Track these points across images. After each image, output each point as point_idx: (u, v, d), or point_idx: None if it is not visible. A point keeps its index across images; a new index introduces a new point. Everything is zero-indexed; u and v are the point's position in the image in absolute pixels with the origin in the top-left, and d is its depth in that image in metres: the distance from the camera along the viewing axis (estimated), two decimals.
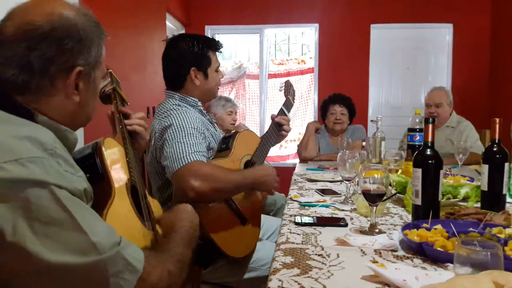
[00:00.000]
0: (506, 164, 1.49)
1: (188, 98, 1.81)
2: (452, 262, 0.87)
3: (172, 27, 4.88)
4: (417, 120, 2.22)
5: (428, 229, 1.15)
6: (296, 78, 5.94)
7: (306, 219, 1.41)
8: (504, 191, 1.50)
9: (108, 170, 1.00)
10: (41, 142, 0.77)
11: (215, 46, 1.86)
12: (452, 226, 1.15)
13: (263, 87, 5.57)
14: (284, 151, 6.07)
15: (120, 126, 1.22)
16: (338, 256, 1.08)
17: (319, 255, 1.09)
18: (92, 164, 0.98)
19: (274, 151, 5.64)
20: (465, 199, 1.63)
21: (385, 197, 1.31)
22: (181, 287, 0.91)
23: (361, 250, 1.12)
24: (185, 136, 1.60)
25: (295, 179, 2.32)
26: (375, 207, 1.28)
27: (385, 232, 1.28)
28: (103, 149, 1.02)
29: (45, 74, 0.84)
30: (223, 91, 5.89)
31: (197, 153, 1.57)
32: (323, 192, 1.92)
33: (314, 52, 5.31)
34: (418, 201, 1.31)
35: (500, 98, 4.72)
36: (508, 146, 1.51)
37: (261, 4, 5.21)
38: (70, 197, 0.76)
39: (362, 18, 5.07)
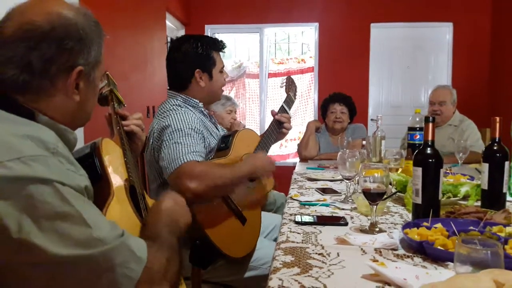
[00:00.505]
0: (506, 163, 1.49)
1: (190, 100, 1.81)
2: (452, 261, 0.87)
3: (172, 26, 4.88)
4: (417, 119, 2.22)
5: (429, 228, 1.15)
6: (296, 77, 5.89)
7: (306, 218, 1.41)
8: (504, 189, 1.50)
9: (107, 170, 1.00)
10: (43, 141, 0.78)
11: (219, 46, 1.85)
12: (453, 224, 1.14)
13: (263, 86, 5.57)
14: (284, 150, 6.07)
15: (118, 127, 1.23)
16: (338, 255, 1.08)
17: (319, 254, 1.09)
18: (90, 164, 0.99)
19: (274, 150, 5.64)
20: (465, 197, 1.63)
21: (385, 196, 1.31)
22: (178, 275, 0.92)
23: (362, 249, 1.12)
24: (182, 136, 1.60)
25: (295, 178, 2.32)
26: (375, 206, 1.28)
27: (385, 231, 1.28)
28: (101, 149, 1.02)
29: (46, 74, 0.84)
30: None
31: (193, 153, 1.57)
32: (323, 191, 1.91)
33: (314, 51, 5.31)
34: (419, 200, 1.31)
35: (500, 97, 4.72)
36: (508, 145, 1.51)
37: (261, 3, 5.21)
38: (73, 193, 0.77)
39: (362, 17, 5.07)
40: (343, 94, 3.35)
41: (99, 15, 0.95)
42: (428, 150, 1.32)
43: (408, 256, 1.08)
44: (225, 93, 5.88)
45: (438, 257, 1.04)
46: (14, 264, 0.73)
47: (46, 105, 0.86)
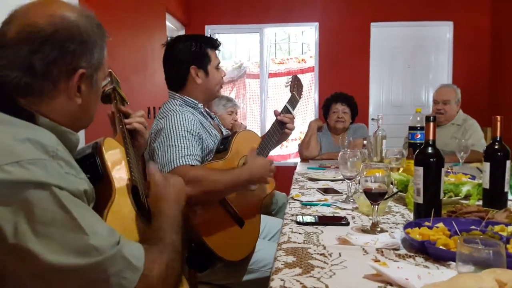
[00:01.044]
0: (508, 162, 1.48)
1: (187, 100, 1.80)
2: (454, 261, 0.87)
3: (172, 27, 4.88)
4: (418, 119, 2.22)
5: (430, 228, 1.15)
6: None
7: (308, 218, 1.41)
8: (506, 189, 1.49)
9: (109, 170, 1.00)
10: (43, 144, 0.77)
11: (213, 43, 1.85)
12: (454, 224, 1.14)
13: (263, 87, 5.57)
14: (285, 150, 6.07)
15: (120, 126, 1.22)
16: (340, 255, 1.08)
17: (321, 254, 1.09)
18: (92, 164, 0.98)
19: (275, 150, 5.63)
20: (467, 197, 1.63)
21: (386, 196, 1.31)
22: (178, 278, 0.92)
23: (363, 249, 1.12)
24: (176, 139, 1.59)
25: (296, 178, 2.32)
26: (376, 206, 1.28)
27: (387, 231, 1.28)
28: (103, 149, 1.02)
29: (48, 76, 0.84)
30: (223, 91, 5.88)
31: (187, 156, 1.56)
32: (325, 191, 1.91)
33: (314, 51, 5.31)
34: (420, 200, 1.31)
35: (501, 96, 4.71)
36: (509, 144, 1.50)
37: (261, 3, 5.21)
38: (71, 198, 0.76)
39: (362, 17, 5.07)
40: (345, 94, 3.35)
41: (98, 16, 0.95)
42: (429, 150, 1.31)
43: (410, 256, 1.08)
44: (226, 93, 5.91)
45: (440, 257, 1.04)
46: (10, 271, 0.72)
47: (48, 107, 0.86)
